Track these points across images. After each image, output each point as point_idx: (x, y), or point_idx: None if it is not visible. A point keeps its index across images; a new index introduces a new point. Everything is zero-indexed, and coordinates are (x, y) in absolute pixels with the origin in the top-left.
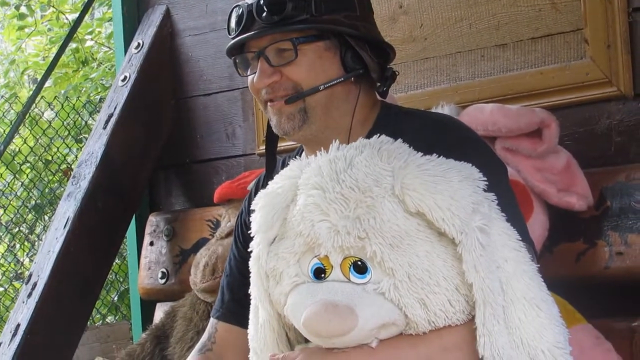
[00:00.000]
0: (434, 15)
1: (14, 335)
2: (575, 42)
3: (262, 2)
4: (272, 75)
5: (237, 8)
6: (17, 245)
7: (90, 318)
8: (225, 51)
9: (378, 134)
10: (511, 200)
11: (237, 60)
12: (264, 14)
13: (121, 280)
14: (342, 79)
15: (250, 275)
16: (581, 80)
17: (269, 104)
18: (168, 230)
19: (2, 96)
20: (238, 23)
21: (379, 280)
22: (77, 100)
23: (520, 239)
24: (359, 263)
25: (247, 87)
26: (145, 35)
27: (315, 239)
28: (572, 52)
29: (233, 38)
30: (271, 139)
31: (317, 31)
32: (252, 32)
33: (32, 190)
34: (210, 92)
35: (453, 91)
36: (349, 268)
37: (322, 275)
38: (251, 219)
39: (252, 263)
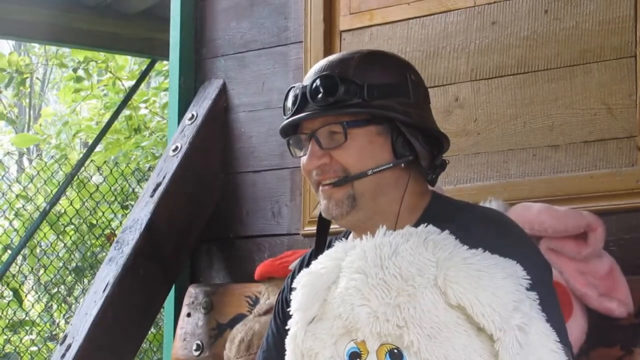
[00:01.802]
0: (488, 111)
1: None
2: (627, 148)
3: (316, 84)
4: (321, 158)
5: (294, 89)
6: (54, 306)
7: None
8: (279, 131)
9: (425, 224)
10: (553, 301)
11: (290, 141)
12: (318, 96)
13: (155, 350)
14: (391, 164)
15: (286, 353)
16: (631, 187)
17: (320, 186)
18: (206, 303)
19: (52, 157)
20: (293, 103)
21: None
22: (126, 167)
23: (559, 340)
24: (395, 351)
25: (297, 167)
26: (200, 107)
27: (354, 323)
28: (624, 158)
29: (287, 118)
30: (324, 218)
31: (368, 115)
32: (304, 114)
33: (74, 253)
34: (260, 170)
35: (502, 188)
36: (385, 355)
37: (358, 359)
38: (292, 296)
39: (288, 341)
